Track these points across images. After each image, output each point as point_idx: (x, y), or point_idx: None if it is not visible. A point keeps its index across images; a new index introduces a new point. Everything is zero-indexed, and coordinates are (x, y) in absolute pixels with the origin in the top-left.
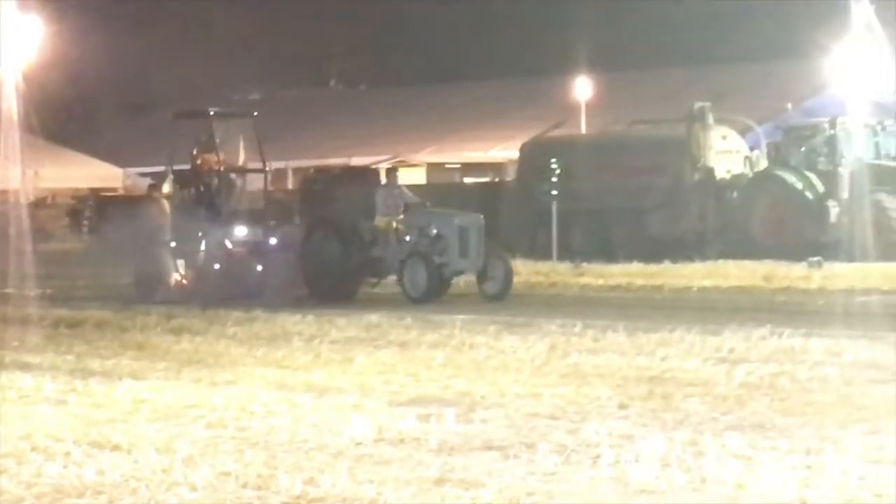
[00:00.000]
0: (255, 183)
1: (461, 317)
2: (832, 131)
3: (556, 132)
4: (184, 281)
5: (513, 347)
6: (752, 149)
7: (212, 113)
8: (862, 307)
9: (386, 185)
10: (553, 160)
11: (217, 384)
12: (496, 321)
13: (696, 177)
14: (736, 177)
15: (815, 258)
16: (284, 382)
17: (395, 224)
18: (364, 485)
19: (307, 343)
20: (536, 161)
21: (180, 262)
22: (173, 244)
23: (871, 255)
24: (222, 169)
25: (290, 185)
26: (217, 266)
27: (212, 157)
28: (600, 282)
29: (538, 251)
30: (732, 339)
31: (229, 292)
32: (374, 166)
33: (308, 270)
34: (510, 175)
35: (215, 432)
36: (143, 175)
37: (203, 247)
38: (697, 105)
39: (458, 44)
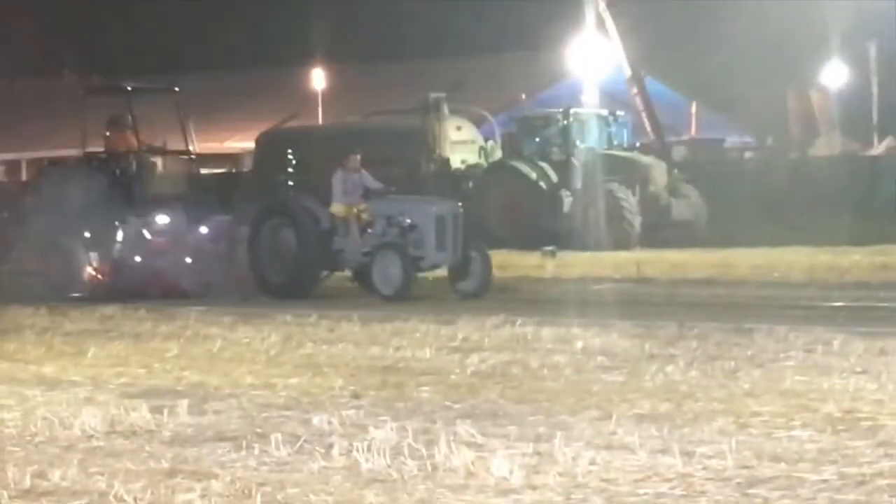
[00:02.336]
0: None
1: (196, 308)
2: (565, 122)
3: (293, 123)
4: (98, 276)
5: (247, 338)
6: (486, 139)
7: (129, 88)
8: (594, 295)
9: (344, 167)
10: (289, 151)
11: None
12: (230, 312)
13: (432, 167)
14: (471, 167)
15: (550, 247)
16: (15, 376)
17: (356, 211)
18: (94, 477)
19: (39, 336)
20: (273, 152)
21: (93, 255)
22: (87, 234)
23: (604, 244)
24: (142, 150)
25: (24, 176)
26: (138, 259)
27: (127, 137)
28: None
29: None
30: (466, 327)
31: (151, 288)
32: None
33: (257, 264)
34: (247, 166)
35: None
36: None
37: (119, 237)
38: (433, 96)
39: (193, 35)
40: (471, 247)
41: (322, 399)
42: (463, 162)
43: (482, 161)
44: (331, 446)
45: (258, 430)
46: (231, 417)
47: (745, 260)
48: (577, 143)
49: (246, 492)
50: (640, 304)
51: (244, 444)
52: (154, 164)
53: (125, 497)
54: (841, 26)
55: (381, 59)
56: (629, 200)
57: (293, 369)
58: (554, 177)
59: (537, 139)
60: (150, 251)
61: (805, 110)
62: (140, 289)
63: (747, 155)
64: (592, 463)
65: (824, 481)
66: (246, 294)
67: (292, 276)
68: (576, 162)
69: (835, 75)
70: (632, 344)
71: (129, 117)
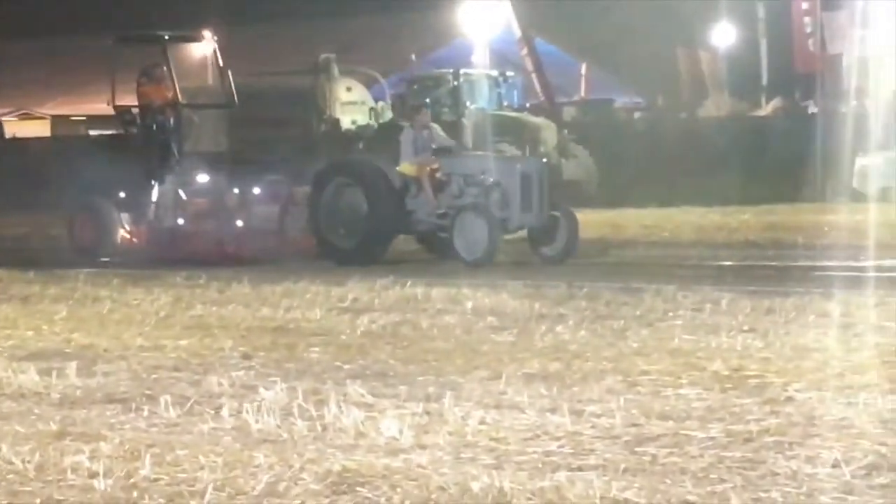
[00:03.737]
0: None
1: (85, 270)
2: (455, 83)
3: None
4: (133, 238)
5: (137, 300)
6: (377, 100)
7: (166, 37)
8: None
9: (413, 124)
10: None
11: None
12: (120, 274)
13: (323, 128)
14: (361, 128)
15: None
16: None
17: (428, 170)
18: None
19: None
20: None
21: (125, 216)
22: (122, 195)
23: None
24: (179, 103)
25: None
26: (176, 221)
27: (162, 90)
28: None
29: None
30: (357, 288)
31: (191, 252)
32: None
33: (320, 228)
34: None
35: None
36: None
37: (154, 198)
38: (323, 57)
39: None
40: (556, 207)
41: (212, 360)
42: (353, 123)
43: (372, 122)
44: (220, 407)
45: (147, 391)
46: (120, 379)
47: (635, 220)
48: (468, 103)
49: (135, 453)
50: (530, 264)
51: (133, 405)
52: (192, 119)
53: (13, 459)
54: None
55: (272, 21)
56: None
57: (183, 331)
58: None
59: (428, 99)
60: (188, 213)
61: (694, 71)
62: (179, 253)
63: (637, 115)
64: (482, 422)
65: (711, 439)
66: (305, 259)
67: (361, 241)
68: (466, 122)
69: (724, 36)
70: (521, 304)
71: (164, 68)
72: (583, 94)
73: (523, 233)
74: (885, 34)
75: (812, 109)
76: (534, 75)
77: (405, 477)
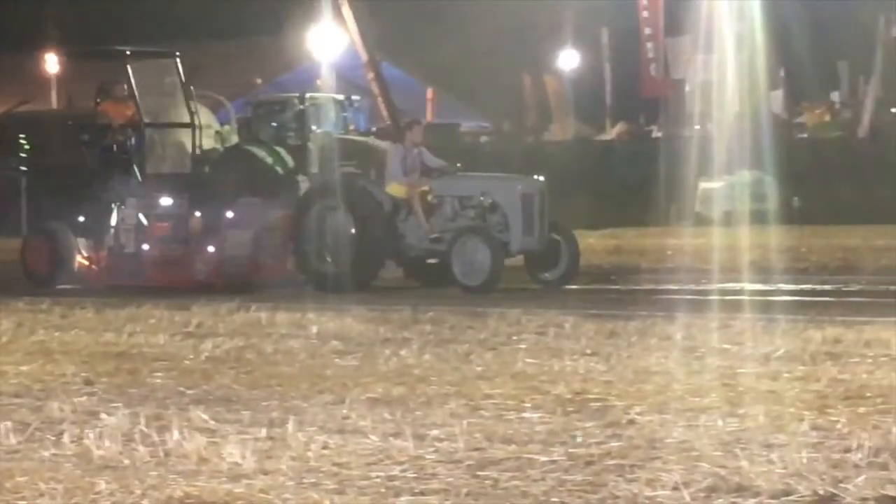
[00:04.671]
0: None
1: None
2: (301, 106)
3: (26, 107)
4: (91, 265)
5: None
6: (222, 124)
7: (128, 52)
8: None
9: (403, 142)
10: (22, 135)
11: None
12: None
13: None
14: (207, 152)
15: None
16: None
17: (419, 192)
18: None
19: None
20: (5, 136)
21: (82, 241)
22: (81, 218)
23: None
24: (143, 122)
25: None
26: (145, 246)
27: (122, 108)
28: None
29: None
30: (201, 313)
31: (153, 279)
32: None
33: (303, 253)
34: None
35: None
36: None
37: (114, 221)
38: (168, 80)
39: None
40: (556, 229)
41: (54, 386)
42: (198, 147)
43: (218, 146)
44: (62, 433)
45: None
46: None
47: None
48: (313, 127)
49: None
50: (375, 288)
51: None
52: (154, 139)
53: None
54: (574, 12)
55: (116, 43)
56: None
57: (24, 356)
58: (290, 161)
59: (273, 123)
60: (150, 237)
61: (539, 95)
62: (140, 280)
63: (483, 139)
64: (325, 447)
65: (553, 462)
66: (283, 286)
67: (349, 267)
68: (312, 146)
69: (569, 61)
70: (366, 328)
71: (125, 85)
72: (429, 117)
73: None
74: (727, 60)
75: (656, 134)
76: (380, 99)
77: (247, 502)
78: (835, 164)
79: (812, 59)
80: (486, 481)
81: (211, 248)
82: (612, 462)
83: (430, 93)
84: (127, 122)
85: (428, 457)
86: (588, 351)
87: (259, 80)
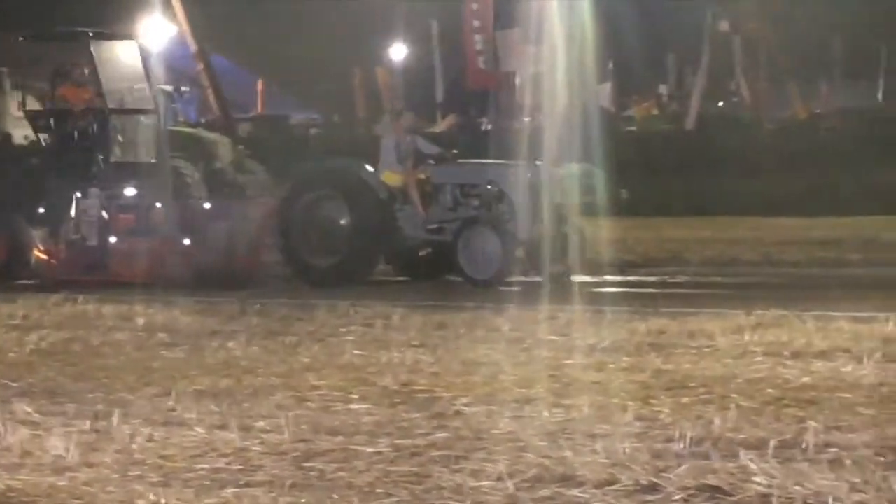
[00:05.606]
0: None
1: None
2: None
3: None
4: (50, 258)
5: None
6: None
7: (91, 34)
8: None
9: (395, 129)
10: None
11: None
12: None
13: None
14: (34, 143)
15: None
16: None
17: (416, 180)
18: None
19: None
20: None
21: (39, 234)
22: (41, 210)
23: None
24: (104, 107)
25: None
26: (98, 238)
27: (81, 92)
28: None
29: None
30: (27, 305)
31: (118, 274)
32: None
33: (292, 246)
34: None
35: None
36: None
37: (74, 213)
38: None
39: None
40: (564, 220)
41: None
42: (26, 138)
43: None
44: None
45: None
46: None
47: None
48: (141, 118)
49: None
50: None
51: None
52: (118, 125)
53: None
54: (404, 5)
55: None
56: (193, 177)
57: None
58: None
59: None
60: (113, 229)
61: (370, 88)
62: (102, 274)
63: (313, 131)
64: (150, 440)
65: (379, 453)
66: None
67: (343, 259)
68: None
69: (399, 53)
70: (194, 320)
71: (86, 69)
72: (259, 109)
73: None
74: (557, 52)
75: (486, 126)
76: (209, 90)
77: (70, 496)
78: (662, 157)
79: (640, 52)
80: (312, 473)
81: (185, 241)
82: (437, 453)
83: (259, 84)
84: (88, 108)
85: (254, 449)
86: (416, 342)
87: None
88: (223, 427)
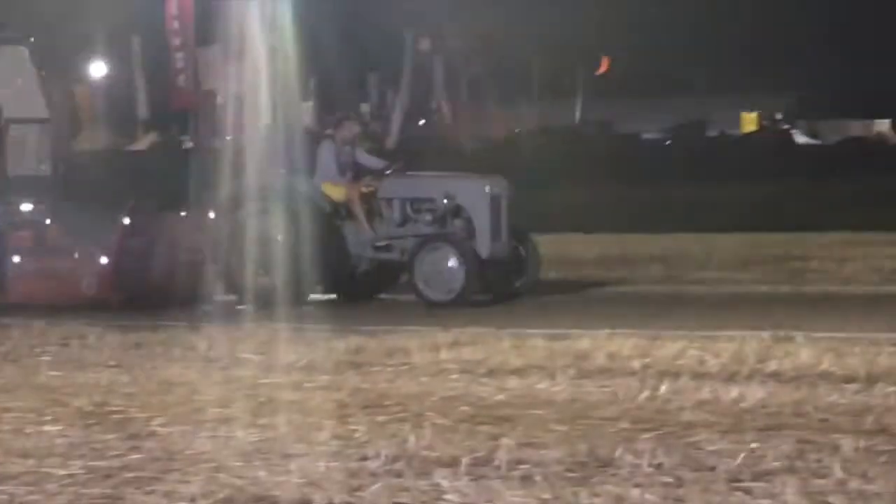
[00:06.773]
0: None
1: None
2: None
3: None
4: None
5: None
6: None
7: None
8: None
9: (334, 137)
10: None
11: None
12: None
13: None
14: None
15: None
16: None
17: (359, 193)
18: None
19: None
20: None
21: None
22: None
23: None
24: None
25: None
26: (16, 258)
27: None
28: None
29: None
30: None
31: (12, 294)
32: None
33: (227, 264)
34: None
35: None
36: None
37: None
38: None
39: None
40: (517, 234)
41: None
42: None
43: None
44: None
45: None
46: None
47: None
48: None
49: None
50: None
51: None
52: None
53: None
54: (104, 20)
55: None
56: None
57: None
58: None
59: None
60: (14, 248)
61: (70, 104)
62: (5, 296)
63: None
64: None
65: (71, 476)
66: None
67: (285, 279)
68: None
69: (99, 69)
70: None
71: None
72: None
73: None
74: (260, 70)
75: (188, 145)
76: None
77: None
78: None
79: (342, 70)
80: (3, 497)
81: (102, 260)
82: (130, 475)
83: None
84: None
85: None
86: (112, 362)
87: None
88: None
